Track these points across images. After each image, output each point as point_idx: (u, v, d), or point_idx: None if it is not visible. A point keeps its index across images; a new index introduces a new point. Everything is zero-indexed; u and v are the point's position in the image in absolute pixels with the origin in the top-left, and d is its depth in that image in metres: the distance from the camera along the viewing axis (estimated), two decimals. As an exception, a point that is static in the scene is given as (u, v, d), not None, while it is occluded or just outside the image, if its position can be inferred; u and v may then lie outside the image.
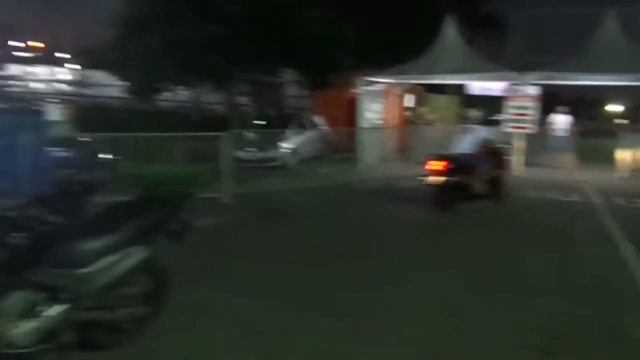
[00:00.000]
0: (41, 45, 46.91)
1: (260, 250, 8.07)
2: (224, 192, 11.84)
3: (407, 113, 22.32)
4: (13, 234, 3.86)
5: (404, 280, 6.85)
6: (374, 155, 18.14)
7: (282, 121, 18.97)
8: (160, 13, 19.07)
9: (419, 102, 23.23)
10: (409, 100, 22.55)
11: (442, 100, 25.43)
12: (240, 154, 15.33)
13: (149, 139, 14.15)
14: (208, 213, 9.42)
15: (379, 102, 19.94)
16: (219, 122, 18.63)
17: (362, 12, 21.79)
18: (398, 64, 18.77)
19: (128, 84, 21.46)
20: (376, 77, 19.29)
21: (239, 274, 6.84)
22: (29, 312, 3.93)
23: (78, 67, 39.80)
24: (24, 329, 3.87)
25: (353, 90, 19.38)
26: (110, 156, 11.22)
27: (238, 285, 6.43)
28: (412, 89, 22.22)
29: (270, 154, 16.98)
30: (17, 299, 3.86)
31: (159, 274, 5.01)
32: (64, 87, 36.49)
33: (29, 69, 38.94)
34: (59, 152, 12.33)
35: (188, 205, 5.20)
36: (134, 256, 4.65)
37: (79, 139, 13.02)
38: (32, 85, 35.55)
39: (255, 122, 19.98)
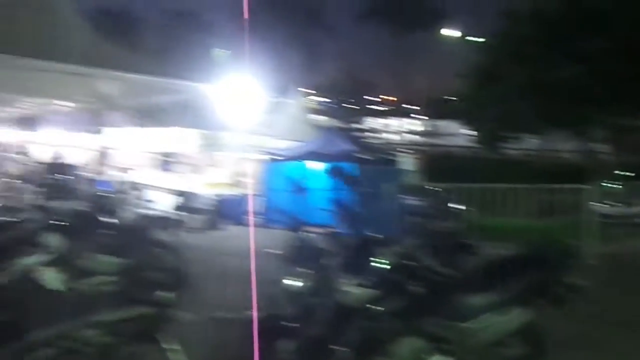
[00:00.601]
0: (392, 98, 51.19)
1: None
2: (586, 251, 10.61)
3: None
4: (412, 282, 4.02)
5: None
6: None
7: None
8: (514, 58, 18.72)
9: None
10: None
11: None
12: (602, 208, 13.72)
13: (498, 190, 13.75)
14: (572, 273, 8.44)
15: None
16: (570, 172, 17.22)
17: None
18: None
19: (477, 133, 21.55)
20: None
21: (617, 347, 5.99)
22: (416, 358, 3.98)
23: (425, 118, 42.20)
24: None
25: None
26: (461, 207, 11.07)
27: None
28: None
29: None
30: (407, 344, 3.94)
31: (537, 338, 4.62)
32: (414, 137, 38.87)
33: (383, 121, 42.65)
34: (411, 201, 12.84)
35: (570, 266, 4.85)
36: (516, 317, 4.44)
37: (429, 188, 13.37)
38: (386, 136, 38.81)
39: (618, 172, 17.87)
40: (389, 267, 4.01)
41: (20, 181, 13.09)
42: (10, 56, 11.12)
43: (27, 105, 18.05)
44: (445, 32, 34.32)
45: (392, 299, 3.91)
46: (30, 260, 4.93)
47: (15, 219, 6.55)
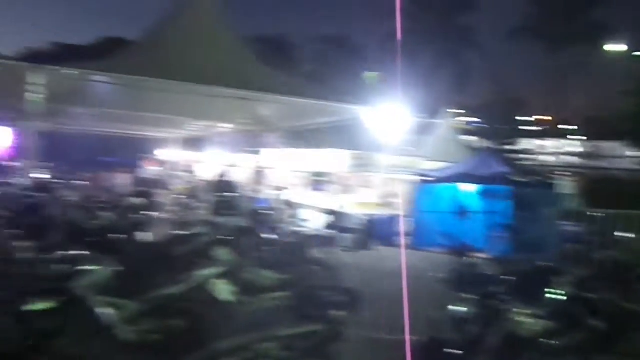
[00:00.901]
0: (547, 118, 48.58)
1: None
2: None
3: None
4: (591, 316, 3.72)
5: None
6: None
7: None
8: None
9: None
10: None
11: None
12: None
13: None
14: None
15: None
16: None
17: None
18: None
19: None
20: None
21: None
22: None
23: (584, 138, 39.42)
24: None
25: None
26: (630, 235, 10.14)
27: None
28: None
29: None
30: None
31: None
32: (572, 159, 36.60)
33: (538, 142, 40.51)
34: (573, 227, 12.00)
35: None
36: None
37: (592, 214, 12.42)
38: (541, 158, 36.85)
39: None
40: (564, 297, 3.73)
41: (187, 197, 14.06)
42: (180, 82, 12.09)
43: (194, 127, 19.57)
44: (607, 47, 31.95)
45: (569, 333, 3.64)
46: (204, 272, 5.26)
47: (188, 233, 7.07)
